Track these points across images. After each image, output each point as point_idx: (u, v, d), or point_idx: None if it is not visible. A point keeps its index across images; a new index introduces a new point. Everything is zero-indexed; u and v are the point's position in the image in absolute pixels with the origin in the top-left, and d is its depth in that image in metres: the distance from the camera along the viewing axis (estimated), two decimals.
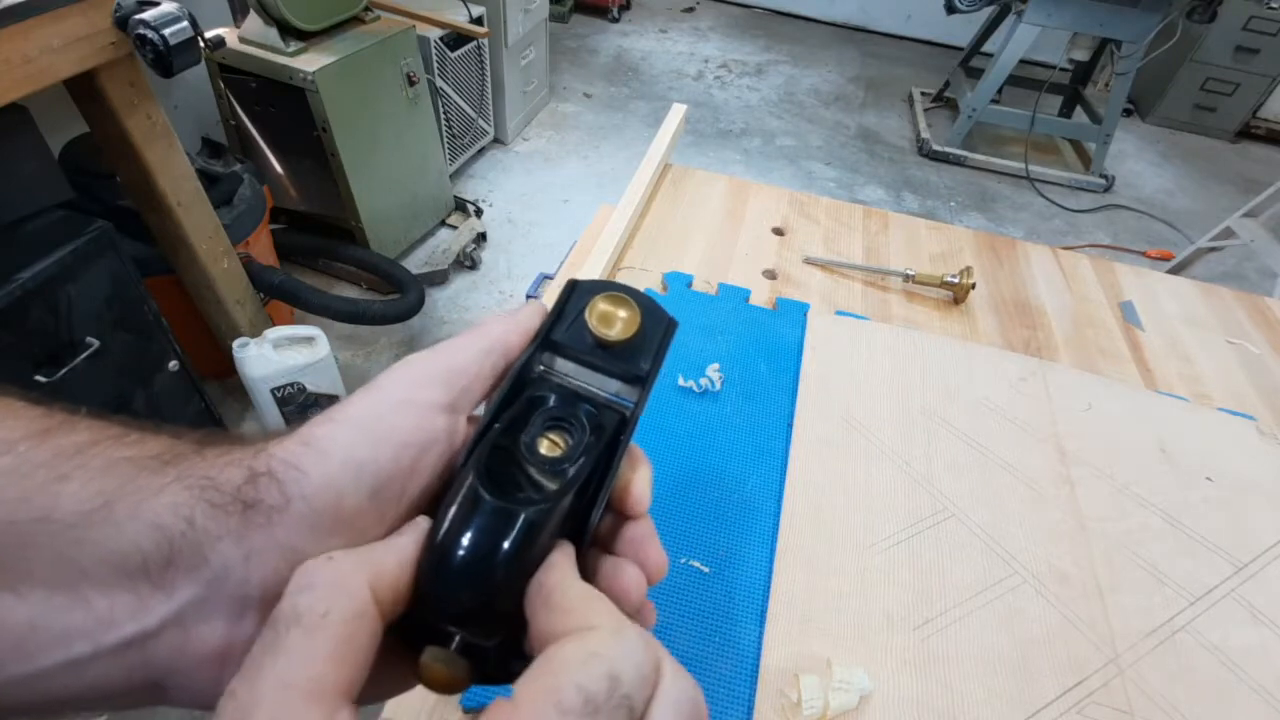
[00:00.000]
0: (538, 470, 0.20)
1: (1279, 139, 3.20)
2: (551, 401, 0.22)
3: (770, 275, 0.70)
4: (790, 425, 0.55)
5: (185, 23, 0.93)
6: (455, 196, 2.03)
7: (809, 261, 0.72)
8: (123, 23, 0.92)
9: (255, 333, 1.33)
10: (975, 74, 2.83)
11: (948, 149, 2.71)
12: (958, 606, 0.45)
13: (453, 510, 0.18)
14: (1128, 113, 3.25)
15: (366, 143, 1.60)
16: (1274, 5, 2.26)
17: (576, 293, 0.24)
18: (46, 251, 0.95)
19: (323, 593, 0.16)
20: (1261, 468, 0.57)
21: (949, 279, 0.68)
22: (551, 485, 0.20)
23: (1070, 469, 0.55)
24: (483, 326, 0.23)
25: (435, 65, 1.86)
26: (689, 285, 0.66)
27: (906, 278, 0.70)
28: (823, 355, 0.61)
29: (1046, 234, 2.46)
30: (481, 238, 2.00)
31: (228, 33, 1.42)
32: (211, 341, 1.38)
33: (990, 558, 0.48)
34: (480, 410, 0.22)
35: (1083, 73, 2.79)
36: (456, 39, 1.92)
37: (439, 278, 1.86)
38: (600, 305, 0.23)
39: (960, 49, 3.06)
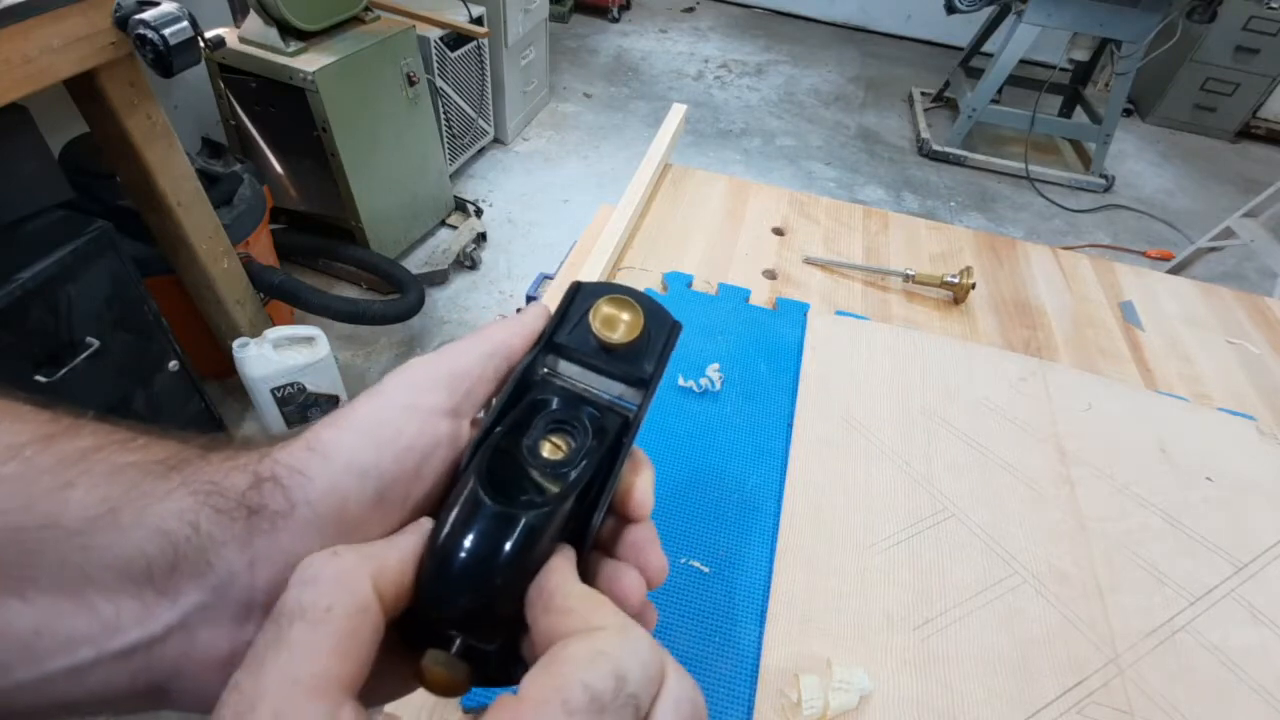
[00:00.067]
0: (540, 473, 0.20)
1: (1279, 139, 3.20)
2: (554, 404, 0.22)
3: (770, 275, 0.70)
4: (790, 425, 0.55)
5: (185, 23, 0.93)
6: (455, 196, 2.03)
7: (809, 261, 0.72)
8: (123, 23, 0.92)
9: (255, 333, 1.33)
10: (975, 74, 2.83)
11: (948, 149, 2.71)
12: (958, 606, 0.45)
13: (454, 514, 0.19)
14: (1128, 113, 3.25)
15: (366, 143, 1.60)
16: (1274, 5, 2.26)
17: (580, 295, 0.24)
18: (46, 251, 0.95)
19: (326, 587, 0.16)
20: (1261, 468, 0.57)
21: (949, 279, 0.68)
22: (553, 488, 0.20)
23: (1070, 469, 0.55)
24: (486, 329, 0.23)
25: (435, 65, 1.86)
26: (689, 285, 0.66)
27: (906, 278, 0.70)
28: (823, 355, 0.61)
29: (1046, 234, 2.46)
30: (481, 238, 2.00)
31: (228, 33, 1.42)
32: (211, 341, 1.38)
33: (990, 558, 0.48)
34: (483, 413, 0.22)
35: (1083, 73, 2.79)
36: (456, 39, 1.92)
37: (439, 278, 1.86)
38: (604, 308, 0.23)
39: (960, 49, 3.06)
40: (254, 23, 1.42)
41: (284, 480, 0.18)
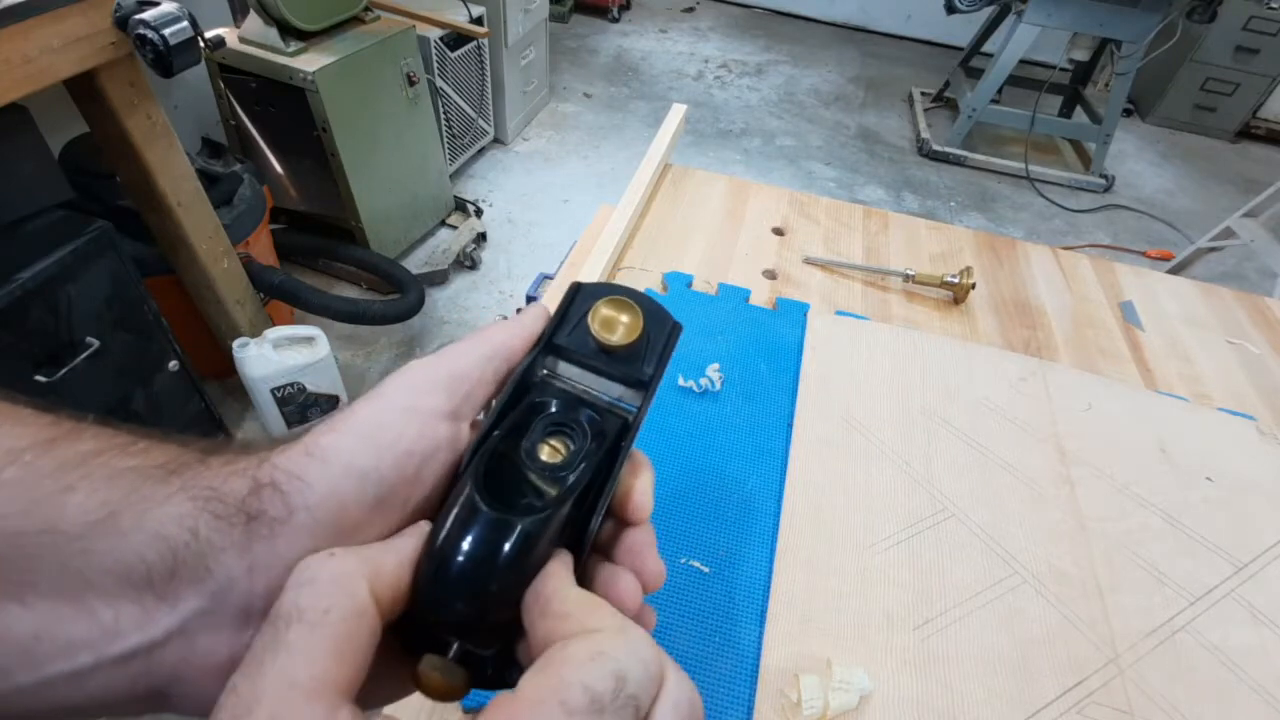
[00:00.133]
0: (538, 476, 0.20)
1: (1279, 139, 3.20)
2: (553, 406, 0.22)
3: (770, 275, 0.70)
4: (790, 425, 0.55)
5: (185, 23, 0.93)
6: (455, 196, 2.03)
7: (809, 261, 0.72)
8: (123, 23, 0.92)
9: (255, 333, 1.33)
10: (975, 74, 2.82)
11: (948, 149, 2.71)
12: (958, 606, 0.45)
13: (450, 520, 0.18)
14: (1128, 113, 3.25)
15: (366, 143, 1.60)
16: (1274, 5, 2.26)
17: (580, 296, 0.24)
18: (46, 251, 0.95)
19: (324, 590, 0.16)
20: (1261, 468, 0.57)
21: (949, 279, 0.68)
22: (551, 492, 0.20)
23: (1070, 469, 0.55)
24: (485, 331, 0.23)
25: (435, 65, 1.86)
26: (689, 285, 0.66)
27: (906, 278, 0.70)
28: (823, 355, 0.61)
29: (1046, 234, 2.46)
30: (481, 238, 2.00)
31: (228, 33, 1.42)
32: (211, 341, 1.38)
33: (990, 558, 0.48)
34: (483, 415, 0.22)
35: (1083, 73, 2.79)
36: (456, 39, 1.92)
37: (439, 278, 1.86)
38: (603, 310, 0.23)
39: (960, 49, 3.06)
40: (254, 23, 1.42)
41: (283, 486, 0.18)
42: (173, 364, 1.20)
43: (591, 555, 0.21)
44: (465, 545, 0.18)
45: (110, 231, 1.03)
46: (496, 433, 0.21)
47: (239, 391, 1.41)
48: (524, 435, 0.21)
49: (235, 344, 1.28)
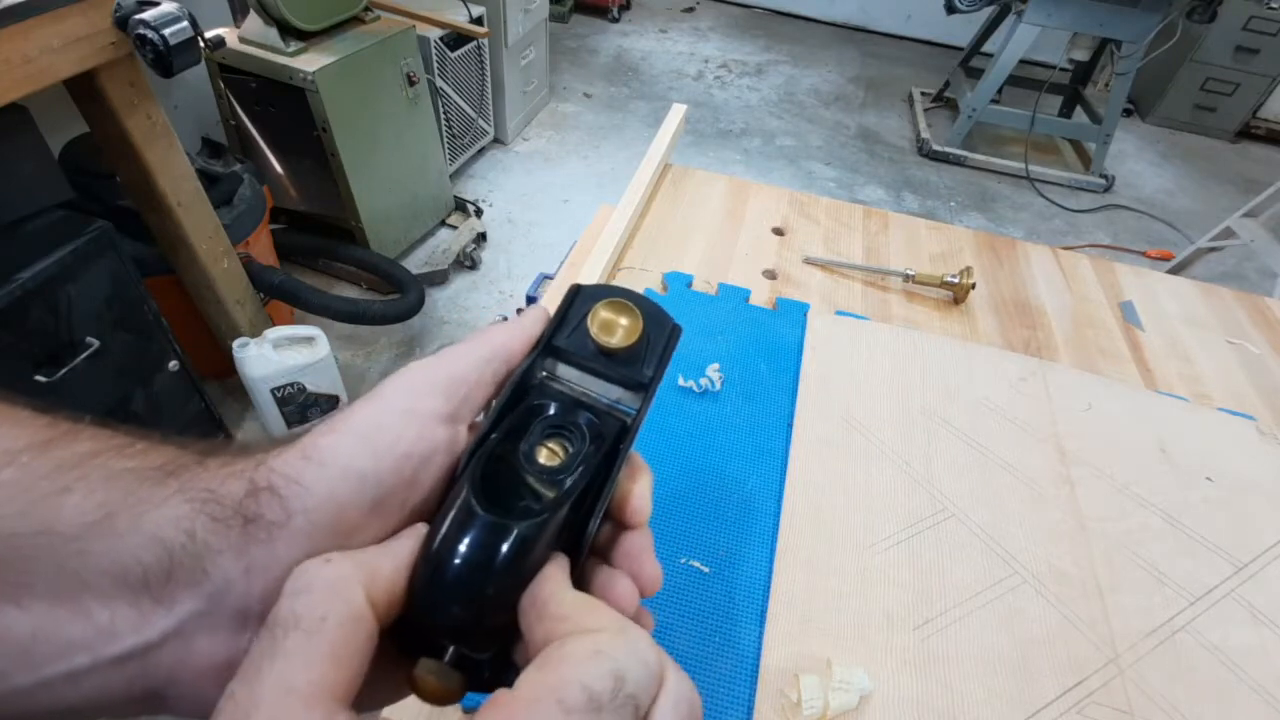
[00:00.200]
0: (536, 479, 0.20)
1: (1279, 139, 3.20)
2: (552, 409, 0.22)
3: (770, 275, 0.70)
4: (790, 425, 0.55)
5: (185, 23, 0.93)
6: (455, 196, 2.03)
7: (809, 261, 0.72)
8: (123, 23, 0.92)
9: (255, 333, 1.33)
10: (975, 74, 2.82)
11: (948, 149, 2.71)
12: (958, 606, 0.45)
13: (446, 523, 0.18)
14: (1128, 113, 3.25)
15: (366, 143, 1.60)
16: (1274, 5, 2.26)
17: (579, 298, 0.24)
18: (46, 251, 0.95)
19: (320, 596, 0.16)
20: (1261, 468, 0.57)
21: (949, 279, 0.68)
22: (549, 495, 0.20)
23: (1070, 469, 0.55)
24: (484, 333, 0.23)
25: (435, 65, 1.86)
26: (689, 285, 0.66)
27: (906, 278, 0.70)
28: (823, 355, 0.61)
29: (1046, 234, 2.46)
30: (481, 238, 2.00)
31: (228, 33, 1.42)
32: (211, 341, 1.38)
33: (990, 558, 0.48)
34: (482, 417, 0.22)
35: (1083, 73, 2.79)
36: (456, 39, 1.92)
37: (439, 278, 1.86)
38: (602, 313, 0.23)
39: (960, 49, 3.06)
40: (254, 23, 1.42)
41: (280, 490, 0.18)
42: (173, 364, 1.20)
43: (589, 558, 0.21)
44: (461, 549, 0.18)
45: (110, 231, 1.03)
46: (494, 435, 0.21)
47: (239, 391, 1.41)
48: (522, 438, 0.21)
49: (235, 344, 1.28)
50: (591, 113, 2.73)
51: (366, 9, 1.56)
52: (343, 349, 1.66)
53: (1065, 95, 2.85)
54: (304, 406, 1.37)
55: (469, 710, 0.38)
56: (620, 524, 0.22)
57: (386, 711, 0.38)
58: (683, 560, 0.46)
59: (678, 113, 0.84)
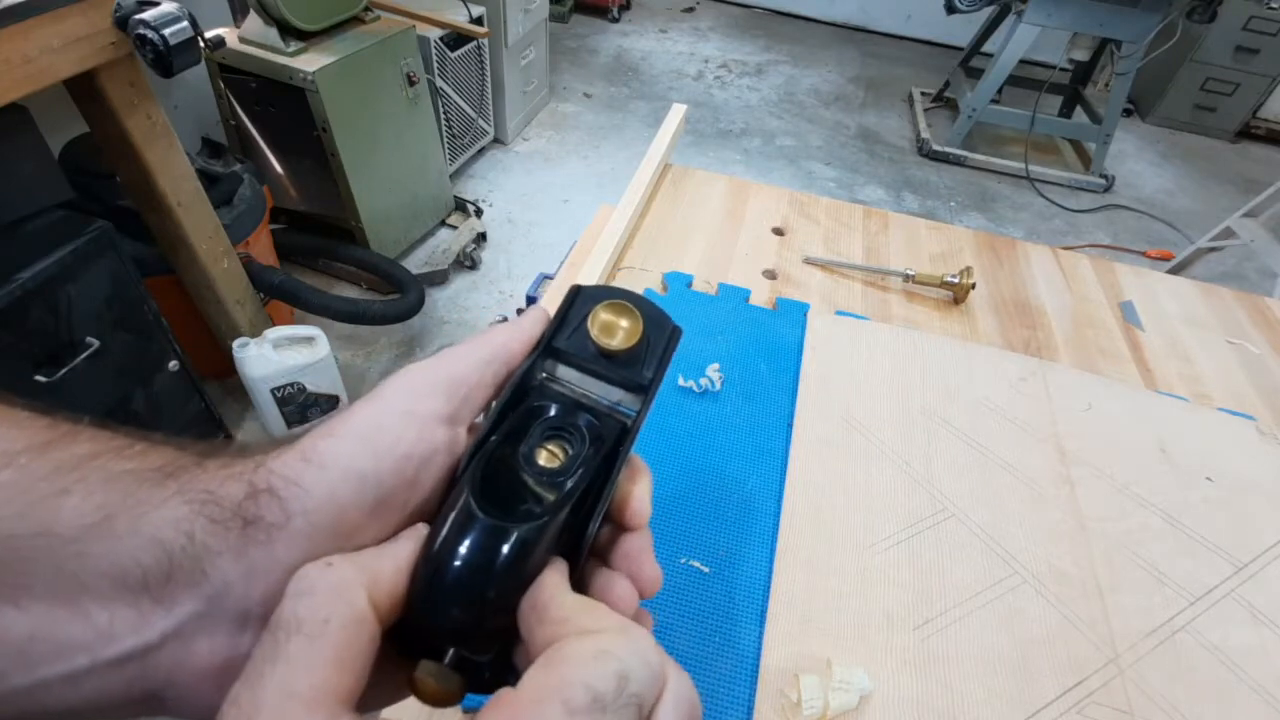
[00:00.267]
0: (535, 481, 0.20)
1: (1279, 139, 3.20)
2: (552, 411, 0.22)
3: (770, 275, 0.70)
4: (790, 425, 0.55)
5: (185, 23, 0.93)
6: (455, 196, 2.03)
7: (809, 261, 0.72)
8: (123, 23, 0.92)
9: (255, 333, 1.33)
10: (975, 74, 2.82)
11: (948, 149, 2.71)
12: (958, 606, 0.45)
13: (446, 526, 0.18)
14: (1128, 113, 3.25)
15: (366, 143, 1.60)
16: (1274, 5, 2.26)
17: (580, 299, 0.24)
18: (46, 251, 0.95)
19: (322, 599, 0.16)
20: (1261, 468, 0.57)
21: (949, 279, 0.68)
22: (549, 497, 0.20)
23: (1070, 469, 0.55)
24: (484, 335, 0.23)
25: (435, 65, 1.86)
26: (689, 285, 0.66)
27: (906, 278, 0.70)
28: (823, 355, 0.61)
29: (1046, 234, 2.46)
30: (481, 238, 2.00)
31: (228, 33, 1.42)
32: (211, 341, 1.38)
33: (990, 558, 0.48)
34: (482, 419, 0.22)
35: (1083, 73, 2.79)
36: (456, 39, 1.92)
37: (439, 278, 1.86)
38: (602, 314, 0.23)
39: (960, 49, 3.06)
40: (254, 23, 1.42)
41: (280, 492, 0.18)
42: (173, 364, 1.20)
43: (589, 559, 0.21)
44: (461, 552, 0.18)
45: (110, 231, 1.03)
46: (494, 437, 0.21)
47: (239, 391, 1.41)
48: (522, 439, 0.21)
49: (235, 344, 1.28)
50: (591, 113, 2.73)
51: (366, 9, 1.56)
52: (343, 349, 1.66)
53: (1065, 95, 2.85)
54: (304, 406, 1.37)
55: (469, 711, 0.38)
56: (620, 525, 0.22)
57: (386, 712, 0.38)
58: (683, 560, 0.46)
59: (678, 113, 0.84)
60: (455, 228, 1.99)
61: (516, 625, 0.18)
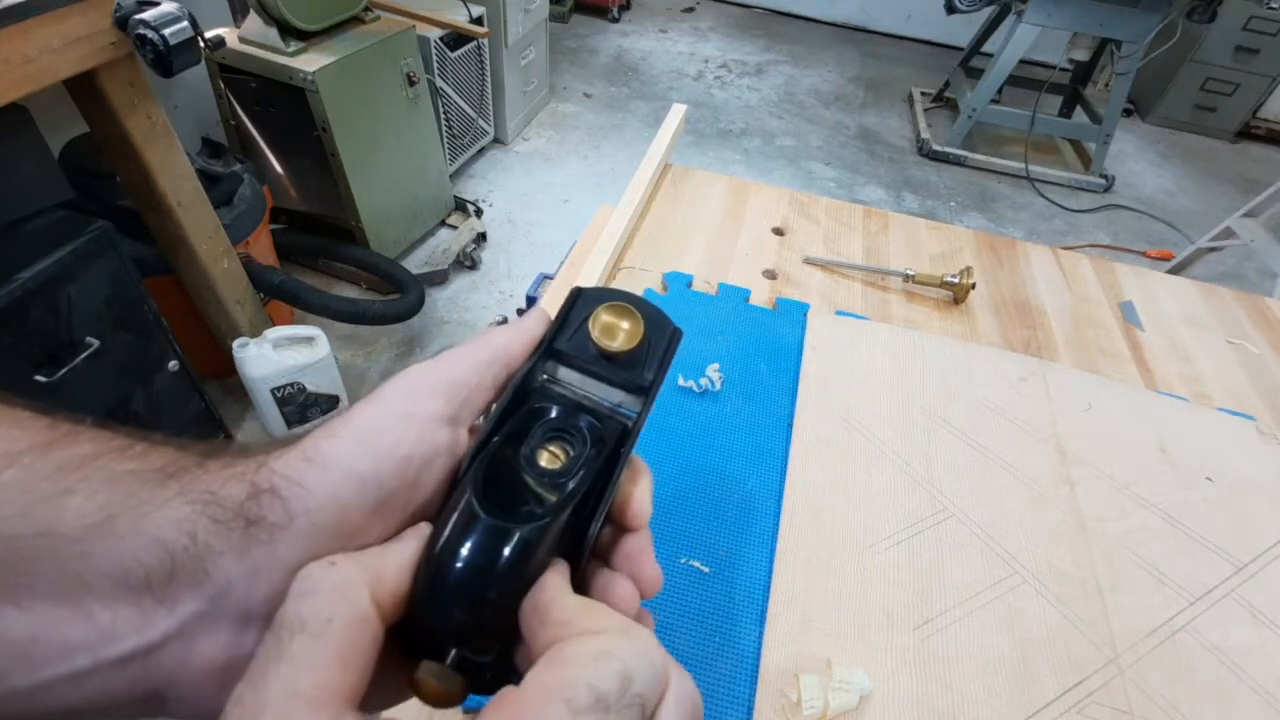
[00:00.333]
0: (537, 483, 0.20)
1: (1279, 139, 3.20)
2: (553, 412, 0.22)
3: (770, 275, 0.70)
4: (790, 425, 0.55)
5: (185, 23, 0.93)
6: (455, 196, 2.03)
7: (809, 261, 0.72)
8: (123, 23, 0.92)
9: (255, 333, 1.33)
10: (975, 74, 2.83)
11: (948, 149, 2.71)
12: (958, 606, 0.45)
13: (448, 527, 0.18)
14: (1128, 113, 3.25)
15: (366, 143, 1.60)
16: (1274, 5, 2.26)
17: (581, 301, 0.24)
18: (46, 251, 0.95)
19: (326, 599, 0.16)
20: (1261, 468, 0.57)
21: (949, 279, 0.68)
22: (551, 498, 0.20)
23: (1070, 469, 0.55)
24: (485, 336, 0.23)
25: (435, 65, 1.86)
26: (689, 285, 0.66)
27: (906, 278, 0.70)
28: (823, 355, 0.61)
29: (1046, 234, 2.46)
30: (481, 238, 2.00)
31: (228, 33, 1.42)
32: (211, 341, 1.38)
33: (990, 558, 0.48)
34: (482, 420, 0.22)
35: (1083, 73, 2.79)
36: (456, 39, 1.92)
37: (439, 278, 1.86)
38: (603, 316, 0.23)
39: (960, 49, 3.06)
40: (254, 23, 1.42)
41: (282, 492, 0.18)
42: (173, 364, 1.20)
43: (590, 560, 0.21)
44: (464, 553, 0.18)
45: (110, 231, 1.03)
46: (496, 439, 0.21)
47: (239, 391, 1.41)
48: (523, 441, 0.21)
49: (235, 344, 1.28)
50: (591, 113, 2.73)
51: (366, 9, 1.56)
52: (343, 349, 1.66)
53: (1065, 95, 2.85)
54: (304, 406, 1.37)
55: (469, 711, 0.38)
56: (621, 526, 0.22)
57: (387, 712, 0.38)
58: (683, 560, 0.46)
59: (678, 113, 0.84)
60: (455, 228, 1.99)
61: (518, 626, 0.18)
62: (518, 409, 0.22)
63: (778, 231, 0.76)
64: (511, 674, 0.19)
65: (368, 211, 1.68)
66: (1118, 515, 0.52)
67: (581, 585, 0.20)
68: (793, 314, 0.65)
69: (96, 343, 1.03)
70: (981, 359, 0.63)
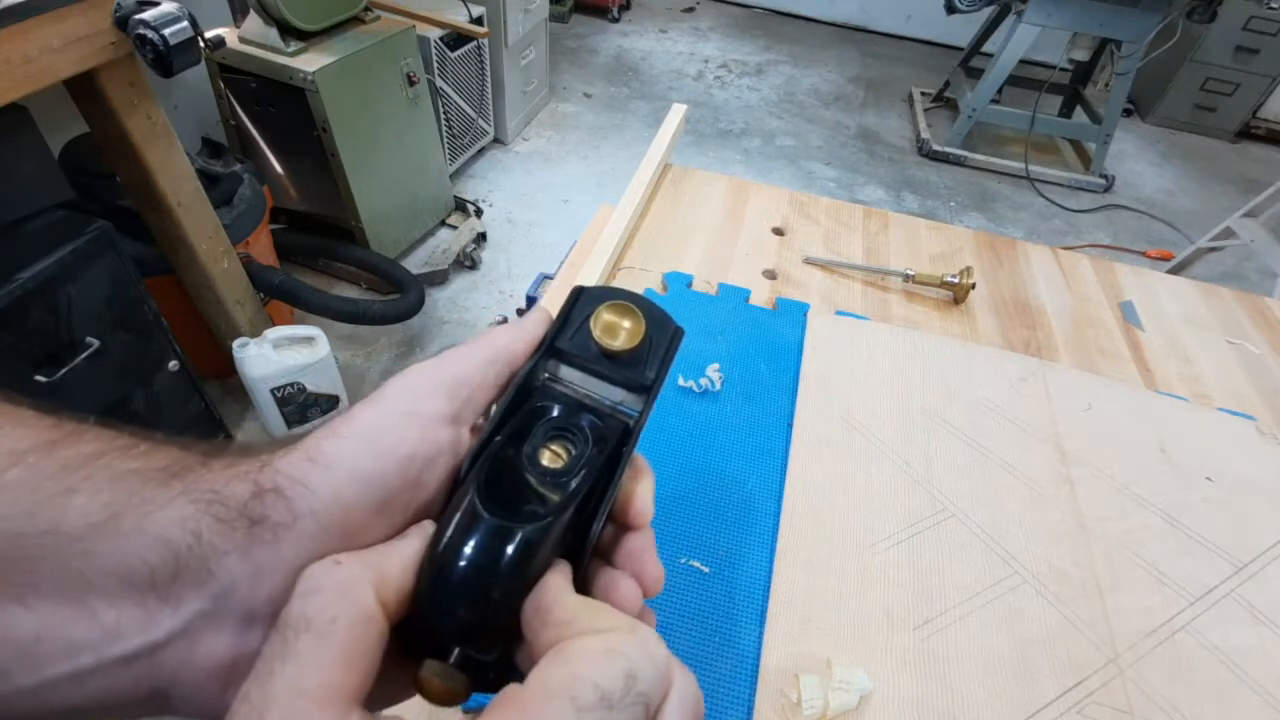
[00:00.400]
0: (539, 482, 0.20)
1: (1279, 139, 3.20)
2: (555, 411, 0.22)
3: (770, 275, 0.70)
4: (790, 425, 0.55)
5: (185, 23, 0.93)
6: (455, 196, 2.03)
7: (809, 261, 0.72)
8: (123, 23, 0.92)
9: (255, 333, 1.33)
10: (975, 74, 2.83)
11: (948, 149, 2.71)
12: (958, 606, 0.45)
13: (451, 526, 0.18)
14: (1128, 113, 3.25)
15: (366, 143, 1.60)
16: (1274, 5, 2.26)
17: (582, 300, 0.24)
18: (46, 251, 0.95)
19: (331, 598, 0.16)
20: (1261, 468, 0.57)
21: (949, 279, 0.68)
22: (553, 497, 0.20)
23: (1070, 469, 0.55)
24: (487, 335, 0.23)
25: (435, 65, 1.86)
26: (689, 285, 0.66)
27: (906, 278, 0.70)
28: (823, 355, 0.61)
29: (1046, 234, 2.46)
30: (481, 238, 2.00)
31: (228, 33, 1.42)
32: (211, 341, 1.38)
33: (990, 558, 0.48)
34: (484, 419, 0.22)
35: (1083, 73, 2.79)
36: (456, 39, 1.92)
37: (439, 278, 1.86)
38: (605, 315, 0.23)
39: (960, 49, 3.06)
40: (254, 23, 1.42)
41: (286, 491, 0.18)
42: (173, 364, 1.20)
43: (592, 559, 0.21)
44: (467, 552, 0.18)
45: (110, 231, 1.03)
46: (498, 438, 0.21)
47: (239, 391, 1.41)
48: (525, 440, 0.21)
49: (235, 344, 1.28)
50: (591, 113, 2.73)
51: (366, 9, 1.56)
52: (343, 349, 1.66)
53: (1065, 95, 2.85)
54: (304, 406, 1.37)
55: (469, 711, 0.38)
56: (623, 525, 0.22)
57: (388, 711, 0.37)
58: (683, 560, 0.46)
59: (678, 113, 0.84)
60: (455, 228, 1.99)
61: (520, 626, 0.18)
62: (519, 408, 0.22)
63: (778, 231, 0.76)
64: (513, 674, 0.19)
65: (368, 211, 1.68)
66: (1118, 515, 0.52)
67: (584, 584, 0.20)
68: (793, 314, 0.65)
69: (96, 343, 1.03)
70: (981, 359, 0.63)
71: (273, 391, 1.31)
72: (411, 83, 1.66)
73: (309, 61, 1.42)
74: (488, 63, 2.11)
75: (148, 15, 0.91)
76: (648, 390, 0.23)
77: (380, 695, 0.19)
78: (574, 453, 0.21)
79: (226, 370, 1.33)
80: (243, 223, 1.36)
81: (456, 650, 0.18)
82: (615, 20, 3.44)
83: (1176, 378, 0.66)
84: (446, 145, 2.02)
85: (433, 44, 1.82)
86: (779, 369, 0.59)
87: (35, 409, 0.18)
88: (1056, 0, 2.34)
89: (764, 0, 3.78)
